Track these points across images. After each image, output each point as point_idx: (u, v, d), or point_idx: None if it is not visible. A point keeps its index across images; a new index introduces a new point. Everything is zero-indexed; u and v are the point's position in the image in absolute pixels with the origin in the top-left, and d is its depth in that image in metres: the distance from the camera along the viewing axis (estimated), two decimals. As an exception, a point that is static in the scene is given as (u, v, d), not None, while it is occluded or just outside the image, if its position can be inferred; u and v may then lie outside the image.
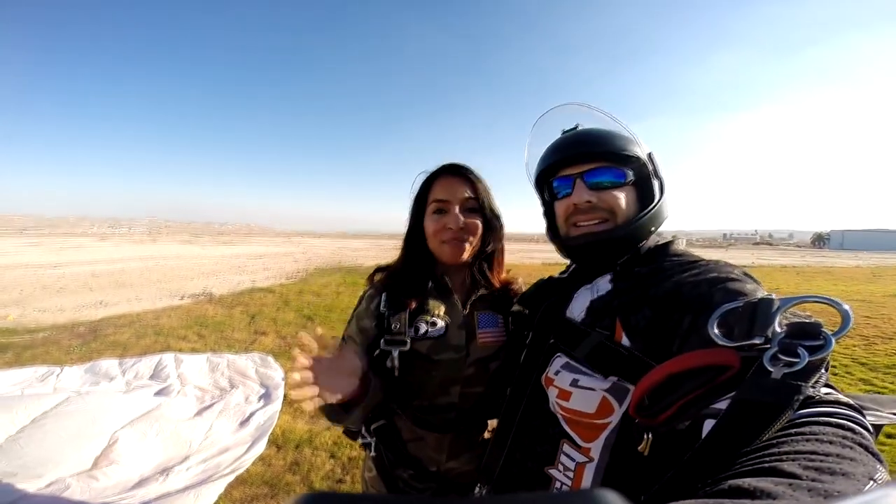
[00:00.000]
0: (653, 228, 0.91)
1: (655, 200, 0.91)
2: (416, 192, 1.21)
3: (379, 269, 1.26)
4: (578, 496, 0.21)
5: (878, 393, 4.24)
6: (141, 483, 2.59)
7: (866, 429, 0.46)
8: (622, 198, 0.89)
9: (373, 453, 1.17)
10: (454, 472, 1.16)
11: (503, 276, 1.28)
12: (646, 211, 0.89)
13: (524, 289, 1.22)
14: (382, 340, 1.09)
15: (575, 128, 0.98)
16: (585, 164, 0.90)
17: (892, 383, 4.58)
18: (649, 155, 0.93)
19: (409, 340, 1.08)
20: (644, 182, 0.92)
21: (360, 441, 1.20)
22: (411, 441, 1.15)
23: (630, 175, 0.90)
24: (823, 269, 22.80)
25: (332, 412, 0.98)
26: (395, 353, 1.07)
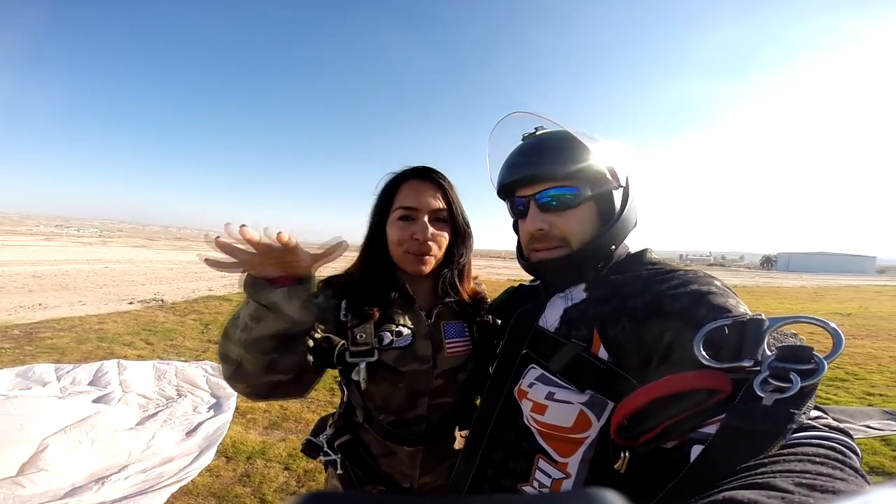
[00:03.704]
0: (613, 247, 0.86)
1: (616, 215, 0.86)
2: (379, 194, 1.12)
3: (329, 279, 1.14)
4: (578, 496, 0.21)
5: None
6: (73, 492, 2.45)
7: (855, 452, 0.46)
8: (576, 219, 0.84)
9: (339, 470, 1.08)
10: (429, 488, 1.11)
11: (471, 286, 1.21)
12: (603, 230, 0.85)
13: (489, 296, 1.18)
14: (348, 353, 1.01)
15: (534, 132, 0.91)
16: (537, 184, 0.85)
17: (834, 394, 4.90)
18: (609, 166, 0.85)
19: (376, 350, 1.02)
20: (604, 194, 0.85)
21: (321, 458, 1.11)
22: (381, 456, 1.08)
23: (586, 190, 0.83)
24: (771, 289, 24.13)
25: (255, 286, 0.79)
26: (363, 365, 1.00)
